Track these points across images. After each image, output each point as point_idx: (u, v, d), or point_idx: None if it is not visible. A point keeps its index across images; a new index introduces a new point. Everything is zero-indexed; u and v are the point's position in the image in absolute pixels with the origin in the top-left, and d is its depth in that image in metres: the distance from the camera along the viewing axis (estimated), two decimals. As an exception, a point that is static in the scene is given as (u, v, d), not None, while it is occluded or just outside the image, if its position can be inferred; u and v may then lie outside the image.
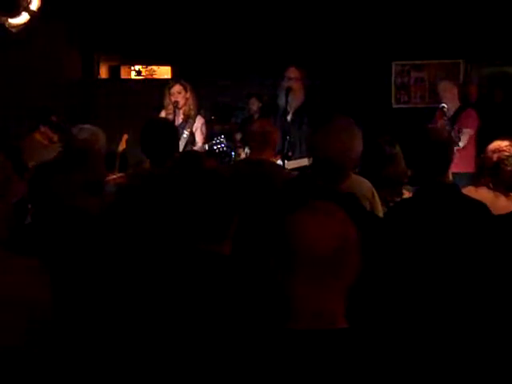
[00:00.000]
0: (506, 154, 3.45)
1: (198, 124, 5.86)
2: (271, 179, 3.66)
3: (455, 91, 6.52)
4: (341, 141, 2.72)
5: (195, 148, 5.57)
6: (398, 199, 3.71)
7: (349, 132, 2.76)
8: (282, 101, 5.47)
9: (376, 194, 3.29)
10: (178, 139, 3.76)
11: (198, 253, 2.24)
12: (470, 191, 3.41)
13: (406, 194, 3.88)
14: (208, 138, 5.94)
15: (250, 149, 4.32)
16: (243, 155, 6.31)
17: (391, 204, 3.61)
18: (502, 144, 3.54)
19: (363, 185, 3.27)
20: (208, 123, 6.86)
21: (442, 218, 2.85)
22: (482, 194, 3.42)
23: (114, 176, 5.05)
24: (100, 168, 4.10)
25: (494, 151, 3.50)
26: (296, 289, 1.61)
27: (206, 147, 5.57)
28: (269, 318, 1.69)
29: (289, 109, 5.41)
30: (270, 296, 1.69)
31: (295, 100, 5.46)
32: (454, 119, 6.33)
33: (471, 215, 2.89)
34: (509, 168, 3.46)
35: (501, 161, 3.45)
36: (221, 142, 5.47)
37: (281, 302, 1.64)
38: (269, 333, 1.63)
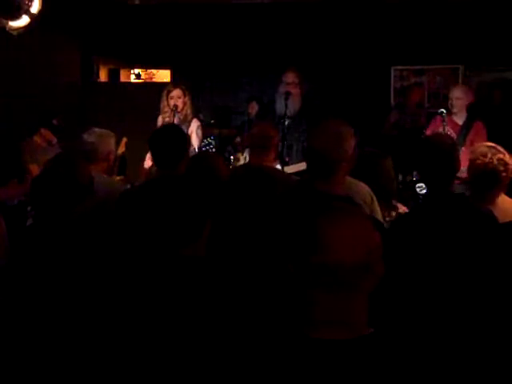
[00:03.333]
0: (494, 164, 3.40)
1: (194, 127, 5.91)
2: (270, 185, 3.64)
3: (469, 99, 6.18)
4: (332, 131, 2.75)
5: (190, 150, 5.60)
6: (394, 213, 3.70)
7: (339, 125, 2.79)
8: (280, 105, 5.49)
9: (375, 200, 3.26)
10: (187, 145, 3.72)
11: (174, 256, 2.25)
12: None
13: (401, 209, 3.88)
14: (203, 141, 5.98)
15: (250, 153, 4.28)
16: (242, 159, 6.32)
17: (387, 219, 3.60)
18: (483, 157, 3.48)
19: (362, 190, 3.25)
20: (207, 127, 6.88)
21: (450, 227, 2.83)
22: (495, 203, 3.41)
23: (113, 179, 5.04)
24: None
25: (480, 166, 3.43)
26: (319, 297, 1.53)
27: (196, 149, 5.60)
28: (286, 325, 1.60)
29: (287, 113, 5.42)
30: (288, 302, 1.62)
31: (293, 105, 5.48)
32: (464, 131, 6.04)
33: (480, 225, 2.88)
34: (505, 180, 3.44)
35: (493, 169, 3.40)
36: (209, 143, 5.50)
37: (300, 310, 1.56)
38: (288, 340, 1.54)
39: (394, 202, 3.80)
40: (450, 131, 5.98)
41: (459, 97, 6.12)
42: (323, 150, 2.74)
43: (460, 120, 6.15)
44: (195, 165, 3.71)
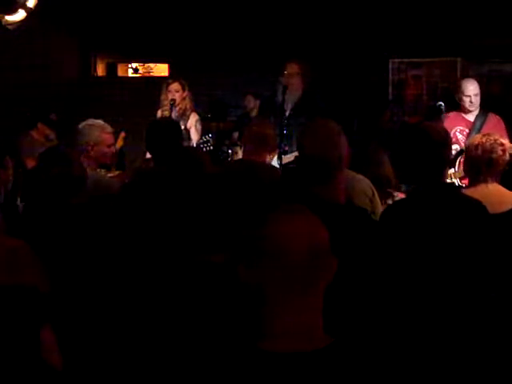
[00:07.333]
0: (490, 142, 3.50)
1: (193, 121, 5.90)
2: (258, 181, 3.60)
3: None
4: (323, 135, 2.68)
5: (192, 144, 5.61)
6: (390, 201, 3.72)
7: (328, 126, 2.74)
8: (279, 97, 5.51)
9: (376, 192, 3.29)
10: (182, 138, 3.71)
11: (191, 262, 2.23)
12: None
13: (399, 196, 3.90)
14: (202, 135, 5.97)
15: (243, 148, 4.26)
16: (240, 153, 6.32)
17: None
18: (479, 138, 3.58)
19: (363, 182, 3.28)
20: (204, 121, 6.87)
21: (440, 217, 2.82)
22: (489, 189, 3.45)
23: (112, 174, 5.05)
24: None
25: (477, 147, 3.53)
26: (271, 301, 1.47)
27: (195, 145, 5.59)
28: (241, 335, 1.54)
29: (286, 105, 5.45)
30: (242, 309, 1.56)
31: (292, 96, 5.51)
32: (478, 123, 5.49)
33: (469, 214, 2.87)
34: (500, 162, 3.51)
35: (489, 155, 3.49)
36: (207, 141, 5.48)
37: (254, 317, 1.48)
38: (242, 353, 1.46)
39: (391, 190, 3.82)
40: (465, 131, 5.51)
41: (477, 93, 5.47)
42: (318, 156, 2.66)
43: (473, 117, 5.57)
44: (185, 161, 3.70)
